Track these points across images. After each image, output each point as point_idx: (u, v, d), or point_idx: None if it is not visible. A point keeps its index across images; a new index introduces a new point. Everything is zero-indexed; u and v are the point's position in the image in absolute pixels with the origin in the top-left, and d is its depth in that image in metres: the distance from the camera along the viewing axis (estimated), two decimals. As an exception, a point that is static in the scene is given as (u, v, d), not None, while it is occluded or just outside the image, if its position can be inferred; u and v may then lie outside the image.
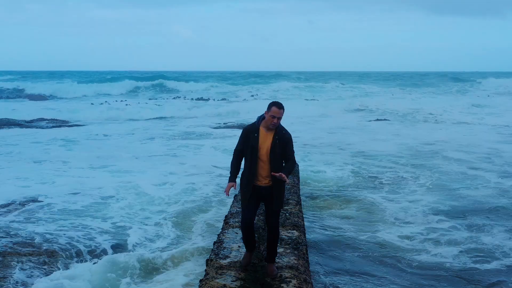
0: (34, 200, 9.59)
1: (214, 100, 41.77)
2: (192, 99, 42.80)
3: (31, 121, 24.75)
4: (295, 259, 5.35)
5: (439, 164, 13.81)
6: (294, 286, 4.73)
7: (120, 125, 23.90)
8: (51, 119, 25.67)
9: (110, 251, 7.18)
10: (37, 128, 22.37)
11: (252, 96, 46.92)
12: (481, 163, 14.07)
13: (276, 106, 4.64)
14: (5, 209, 8.96)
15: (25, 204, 9.28)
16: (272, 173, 4.65)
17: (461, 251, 7.20)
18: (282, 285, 4.74)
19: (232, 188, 4.85)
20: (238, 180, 4.89)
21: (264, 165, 4.72)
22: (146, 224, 8.32)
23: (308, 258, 5.86)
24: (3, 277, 6.01)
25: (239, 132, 5.03)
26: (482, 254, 7.09)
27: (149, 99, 42.99)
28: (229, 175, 4.89)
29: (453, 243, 7.54)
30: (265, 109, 4.73)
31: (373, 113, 30.93)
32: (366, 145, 16.95)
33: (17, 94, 46.51)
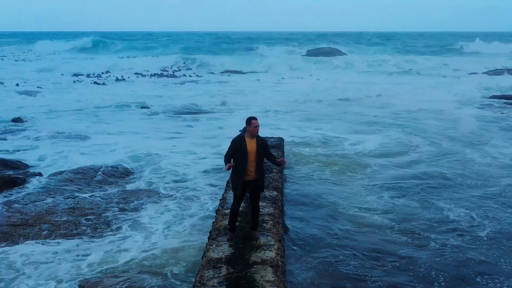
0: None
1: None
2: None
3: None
4: (272, 209, 8.30)
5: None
6: (271, 225, 7.68)
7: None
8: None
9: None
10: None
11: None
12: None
13: (254, 119, 6.87)
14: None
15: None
16: (280, 160, 7.05)
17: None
18: (263, 224, 7.68)
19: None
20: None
21: (252, 164, 6.85)
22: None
23: (282, 209, 8.80)
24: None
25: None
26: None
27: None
28: (224, 163, 6.91)
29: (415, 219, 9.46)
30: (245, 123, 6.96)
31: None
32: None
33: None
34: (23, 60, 58.35)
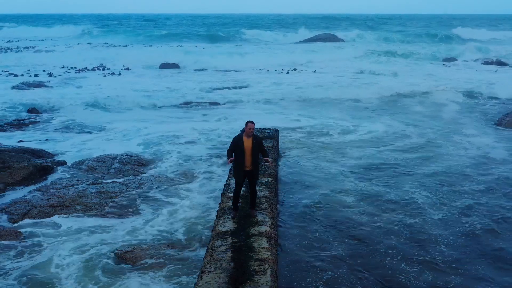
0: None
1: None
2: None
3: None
4: (268, 193, 10.10)
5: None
6: (266, 206, 9.49)
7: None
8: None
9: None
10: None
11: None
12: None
13: (250, 123, 8.60)
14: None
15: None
16: (265, 159, 8.88)
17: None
18: (260, 205, 9.48)
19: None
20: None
21: (248, 158, 8.62)
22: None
23: (277, 192, 10.59)
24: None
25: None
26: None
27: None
28: (227, 157, 8.95)
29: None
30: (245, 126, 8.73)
31: None
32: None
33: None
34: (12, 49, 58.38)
